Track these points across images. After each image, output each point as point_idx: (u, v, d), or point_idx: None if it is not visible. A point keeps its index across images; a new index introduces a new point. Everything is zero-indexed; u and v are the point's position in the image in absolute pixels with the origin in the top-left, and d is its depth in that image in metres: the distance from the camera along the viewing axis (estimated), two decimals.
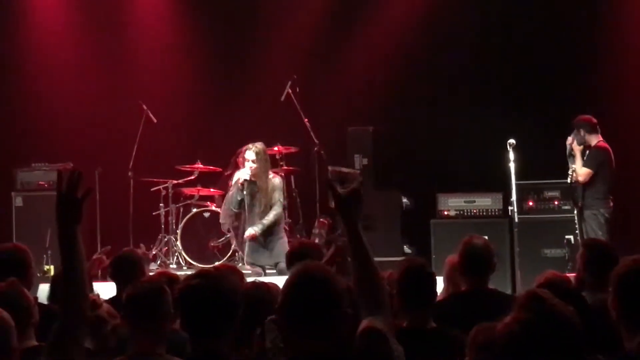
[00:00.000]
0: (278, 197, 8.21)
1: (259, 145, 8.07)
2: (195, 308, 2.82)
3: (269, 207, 8.13)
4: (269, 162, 8.17)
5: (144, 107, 9.50)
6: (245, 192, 8.09)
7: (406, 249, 9.34)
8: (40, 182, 9.53)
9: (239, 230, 8.51)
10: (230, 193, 8.29)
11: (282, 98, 9.41)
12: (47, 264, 8.71)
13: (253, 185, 8.13)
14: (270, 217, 8.15)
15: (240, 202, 8.18)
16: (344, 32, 10.43)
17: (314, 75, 10.07)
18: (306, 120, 9.43)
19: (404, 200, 9.44)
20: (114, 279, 4.89)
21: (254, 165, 7.98)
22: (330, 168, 8.73)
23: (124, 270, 4.70)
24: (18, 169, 9.56)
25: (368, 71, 10.21)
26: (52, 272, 8.61)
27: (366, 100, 10.11)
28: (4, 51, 10.41)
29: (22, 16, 10.51)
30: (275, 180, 8.21)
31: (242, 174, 8.03)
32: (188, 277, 2.92)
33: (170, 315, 3.28)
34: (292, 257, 4.73)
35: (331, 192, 2.73)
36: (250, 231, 8.16)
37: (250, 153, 8.01)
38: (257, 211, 8.16)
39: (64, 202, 2.67)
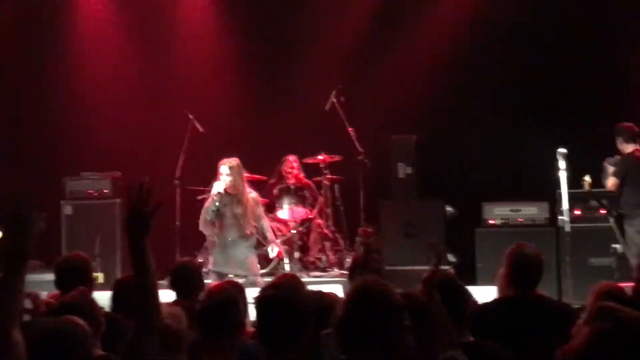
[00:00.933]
0: (260, 211, 8.49)
1: (234, 160, 8.34)
2: (272, 318, 2.84)
3: (245, 218, 8.32)
4: (242, 175, 8.39)
5: (190, 116, 9.60)
6: (219, 204, 8.27)
7: (450, 258, 9.32)
8: (89, 191, 9.67)
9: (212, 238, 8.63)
10: (206, 204, 8.45)
11: (327, 107, 9.48)
12: (95, 271, 8.82)
13: (230, 197, 8.31)
14: (268, 232, 8.52)
15: (215, 212, 8.34)
16: (388, 41, 10.46)
17: (358, 84, 10.12)
18: (350, 129, 9.48)
19: (448, 208, 9.41)
20: (173, 288, 4.94)
21: (229, 179, 8.22)
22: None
23: (184, 280, 4.76)
24: (67, 177, 9.72)
25: (412, 79, 10.21)
26: (100, 280, 8.75)
27: (410, 108, 10.11)
28: (53, 63, 10.60)
29: (71, 28, 10.70)
30: (253, 194, 8.48)
31: (217, 187, 8.25)
32: (264, 287, 2.95)
33: (243, 326, 3.32)
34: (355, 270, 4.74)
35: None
36: (276, 250, 8.58)
37: (224, 167, 8.27)
38: (233, 221, 8.36)
39: (134, 215, 2.73)
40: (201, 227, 8.60)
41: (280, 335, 2.83)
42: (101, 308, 3.92)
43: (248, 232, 8.36)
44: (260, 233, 8.56)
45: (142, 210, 2.76)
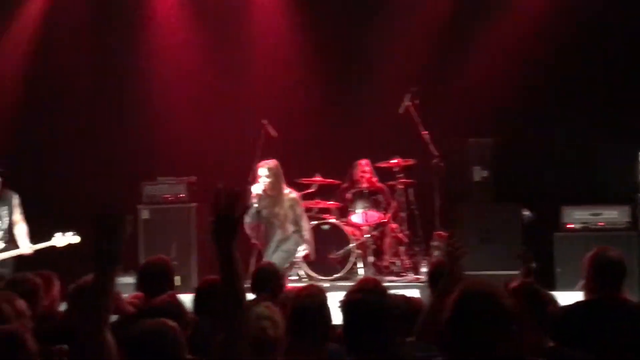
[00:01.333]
0: (300, 211, 8.50)
1: (272, 162, 8.40)
2: (358, 322, 2.81)
3: (286, 219, 8.38)
4: (281, 177, 8.41)
5: (264, 121, 9.65)
6: (258, 206, 8.30)
7: None
8: (166, 195, 9.80)
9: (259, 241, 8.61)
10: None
11: (401, 110, 9.40)
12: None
13: (269, 199, 8.37)
14: (306, 232, 8.56)
15: (255, 215, 8.35)
16: (463, 43, 10.33)
17: (433, 87, 10.00)
18: (425, 132, 9.39)
19: (525, 213, 9.23)
20: (254, 291, 4.93)
21: (268, 180, 8.27)
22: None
23: (265, 282, 4.76)
24: (144, 182, 9.87)
25: (488, 82, 10.04)
26: (177, 283, 8.83)
27: (486, 111, 9.95)
28: (130, 70, 10.79)
29: (146, 34, 10.86)
30: (293, 194, 8.47)
31: (256, 189, 8.31)
32: (350, 290, 2.91)
33: (332, 329, 3.29)
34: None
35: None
36: (305, 251, 8.68)
37: (262, 170, 8.35)
38: (275, 222, 8.42)
39: (221, 220, 2.72)
40: (247, 230, 8.57)
41: (366, 338, 2.79)
42: None
43: (289, 232, 8.39)
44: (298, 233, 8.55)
45: (230, 216, 2.72)
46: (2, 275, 7.94)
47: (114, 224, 2.75)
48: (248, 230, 8.50)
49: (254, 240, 8.66)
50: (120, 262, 2.78)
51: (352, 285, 2.99)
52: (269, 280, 4.97)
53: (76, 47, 10.74)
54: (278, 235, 8.40)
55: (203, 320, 4.13)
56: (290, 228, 8.41)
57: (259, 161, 9.43)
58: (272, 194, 8.35)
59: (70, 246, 8.09)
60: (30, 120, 10.65)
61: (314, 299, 3.39)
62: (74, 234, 8.08)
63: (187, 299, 4.83)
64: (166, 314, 3.28)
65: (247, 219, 8.33)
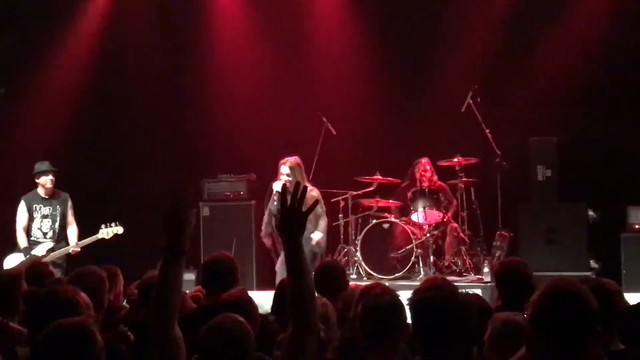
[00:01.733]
0: (321, 208, 8.30)
1: (293, 159, 8.22)
2: (430, 321, 2.74)
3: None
4: (303, 174, 8.23)
5: (324, 119, 9.62)
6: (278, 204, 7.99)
7: (592, 264, 8.95)
8: (226, 193, 9.86)
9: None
10: (267, 207, 8.43)
11: (463, 108, 9.28)
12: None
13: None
14: (322, 226, 8.31)
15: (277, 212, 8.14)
16: (526, 40, 10.16)
17: (495, 85, 9.86)
18: (487, 130, 9.25)
19: (590, 213, 9.03)
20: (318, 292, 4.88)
21: (289, 178, 8.04)
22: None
23: (329, 279, 4.70)
24: (205, 180, 9.93)
25: (552, 80, 9.87)
26: None
27: (550, 109, 9.78)
28: (192, 70, 10.87)
29: (208, 33, 10.94)
30: (314, 192, 7.93)
31: (277, 186, 8.13)
32: (419, 288, 2.85)
33: (406, 328, 3.23)
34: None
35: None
36: (318, 235, 8.28)
37: (284, 167, 8.18)
38: None
39: (289, 216, 2.70)
40: (263, 237, 8.59)
41: (439, 338, 2.72)
42: None
43: (308, 233, 8.04)
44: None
45: (297, 212, 2.70)
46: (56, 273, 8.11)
47: (181, 218, 2.74)
48: (264, 237, 8.50)
49: (267, 243, 8.60)
50: (185, 256, 2.77)
51: (421, 284, 2.91)
52: (333, 277, 4.90)
53: (139, 47, 10.86)
54: None
55: (267, 317, 4.11)
56: (310, 228, 8.13)
57: (318, 159, 9.46)
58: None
59: (116, 237, 8.24)
60: (94, 120, 10.80)
61: (386, 297, 3.32)
62: (116, 225, 8.19)
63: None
64: (236, 310, 3.25)
65: (266, 219, 8.36)
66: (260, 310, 5.69)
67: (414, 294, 2.88)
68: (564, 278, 2.70)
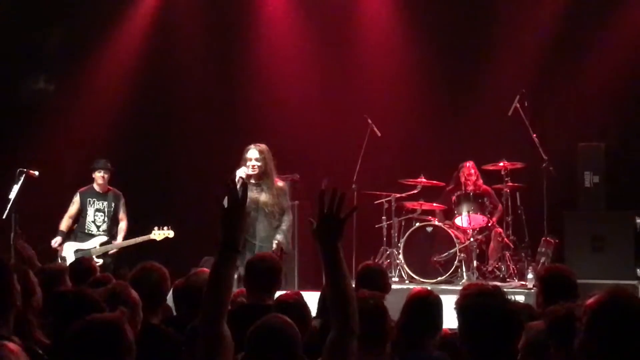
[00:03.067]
0: (285, 203, 7.43)
1: (263, 145, 7.38)
2: (480, 326, 2.71)
3: (275, 210, 7.30)
4: (272, 163, 7.38)
5: (369, 120, 9.59)
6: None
7: (639, 273, 8.79)
8: None
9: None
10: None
11: (510, 112, 9.17)
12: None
13: (256, 186, 7.27)
14: (286, 224, 7.36)
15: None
16: (576, 45, 10.02)
17: (543, 89, 9.76)
18: (534, 135, 9.14)
19: (638, 221, 8.87)
20: (357, 289, 4.86)
21: (258, 164, 7.23)
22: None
23: (370, 284, 4.66)
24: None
25: (601, 85, 9.73)
26: None
27: (599, 115, 9.64)
28: (236, 69, 10.92)
29: (254, 32, 10.98)
30: (280, 184, 7.46)
31: (241, 172, 7.21)
32: (469, 293, 2.81)
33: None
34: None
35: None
36: (279, 239, 7.27)
37: (253, 151, 7.26)
38: (262, 213, 7.26)
39: (326, 221, 2.68)
40: None
41: (488, 345, 2.68)
42: None
43: (274, 226, 7.27)
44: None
45: (335, 217, 2.68)
46: (107, 265, 8.27)
47: (237, 216, 2.75)
48: None
49: None
50: (238, 254, 2.79)
51: (468, 289, 2.87)
52: (374, 279, 4.87)
53: (187, 45, 10.96)
54: (262, 230, 7.24)
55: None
56: (275, 223, 7.26)
57: (362, 161, 9.43)
58: (261, 180, 7.25)
59: (166, 239, 8.43)
60: (142, 116, 10.91)
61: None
62: (169, 228, 8.38)
63: None
64: (292, 312, 3.25)
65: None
66: None
67: (463, 298, 2.85)
68: (621, 286, 2.64)
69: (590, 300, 2.65)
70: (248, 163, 7.22)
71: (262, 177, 7.27)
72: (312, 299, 4.89)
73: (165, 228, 8.45)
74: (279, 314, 3.06)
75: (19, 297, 3.37)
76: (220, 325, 2.70)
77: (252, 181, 7.25)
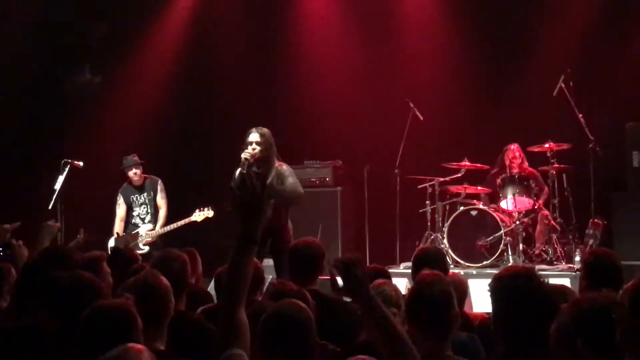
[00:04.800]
0: (293, 181, 7.06)
1: (265, 129, 7.12)
2: (513, 309, 2.65)
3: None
4: (273, 147, 7.10)
5: (411, 104, 9.51)
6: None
7: None
8: (312, 179, 9.87)
9: None
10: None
11: (555, 93, 8.99)
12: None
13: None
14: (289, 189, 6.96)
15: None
16: (620, 23, 9.80)
17: (589, 69, 9.55)
18: (580, 115, 8.95)
19: None
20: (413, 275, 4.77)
21: (258, 148, 6.97)
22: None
23: (431, 265, 4.56)
24: (292, 165, 9.93)
25: None
26: None
27: None
28: (278, 55, 10.92)
29: (295, 17, 10.96)
30: (283, 167, 7.12)
31: (244, 154, 6.97)
32: (502, 275, 2.75)
33: (456, 320, 3.17)
34: None
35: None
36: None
37: (254, 135, 7.00)
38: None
39: (347, 283, 2.71)
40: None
41: (522, 328, 2.62)
42: None
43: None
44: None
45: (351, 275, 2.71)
46: (150, 252, 8.34)
47: (259, 208, 2.78)
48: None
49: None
50: (256, 245, 2.81)
51: (502, 271, 2.81)
52: (434, 261, 4.74)
53: (228, 35, 10.97)
54: None
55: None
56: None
57: (405, 145, 9.35)
58: (261, 165, 6.97)
59: (207, 220, 8.42)
60: (184, 108, 10.98)
61: (437, 287, 3.25)
62: (209, 209, 8.37)
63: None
64: None
65: (232, 184, 7.00)
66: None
67: (497, 281, 2.79)
68: None
69: (630, 284, 2.57)
70: (249, 147, 6.98)
71: (262, 161, 7.00)
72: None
73: (205, 209, 8.45)
74: (294, 300, 3.05)
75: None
76: (237, 312, 2.72)
77: (254, 163, 6.98)
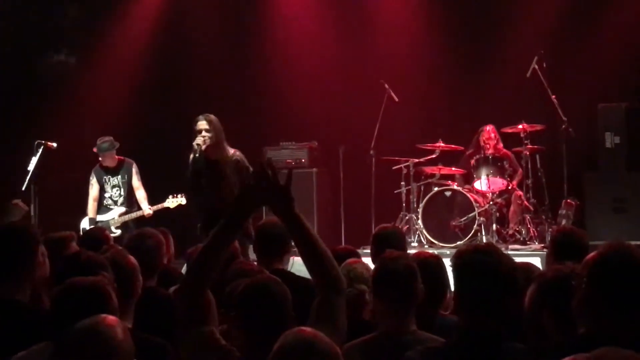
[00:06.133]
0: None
1: (212, 115, 7.04)
2: (474, 284, 2.69)
3: (229, 184, 6.84)
4: (222, 133, 7.02)
5: (386, 86, 9.53)
6: (199, 164, 6.94)
7: None
8: (288, 160, 9.89)
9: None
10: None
11: (528, 74, 9.03)
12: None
13: (210, 161, 6.97)
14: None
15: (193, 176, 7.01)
16: (593, 4, 9.86)
17: (562, 50, 9.60)
18: (554, 97, 9.01)
19: None
20: (372, 256, 4.82)
21: (208, 135, 6.92)
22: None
23: (389, 245, 4.60)
24: (267, 147, 9.98)
25: (620, 44, 9.56)
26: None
27: (619, 74, 9.48)
28: (253, 37, 10.88)
29: (269, 2, 10.92)
30: (238, 153, 7.04)
31: (195, 141, 6.96)
32: (463, 250, 2.79)
33: (421, 295, 3.22)
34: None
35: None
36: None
37: (202, 122, 6.93)
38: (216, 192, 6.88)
39: (273, 191, 2.83)
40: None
41: (482, 303, 2.65)
42: None
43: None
44: None
45: (277, 186, 2.82)
46: (121, 236, 8.31)
47: (249, 199, 2.84)
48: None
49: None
50: (237, 234, 2.89)
51: (465, 247, 2.85)
52: (392, 241, 4.78)
53: (203, 16, 10.91)
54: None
55: None
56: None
57: (380, 127, 9.37)
58: (213, 152, 6.95)
59: (179, 207, 8.46)
60: (159, 88, 10.93)
61: (402, 261, 3.30)
62: (182, 196, 8.43)
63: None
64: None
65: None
66: None
67: (457, 256, 2.83)
68: (621, 241, 2.61)
69: (590, 255, 2.62)
70: (199, 135, 6.94)
71: (213, 149, 6.96)
72: None
73: (178, 196, 8.48)
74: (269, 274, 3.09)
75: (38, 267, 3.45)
76: (206, 290, 2.76)
77: (207, 157, 6.95)
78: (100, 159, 8.71)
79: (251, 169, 6.78)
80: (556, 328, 2.63)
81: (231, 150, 7.05)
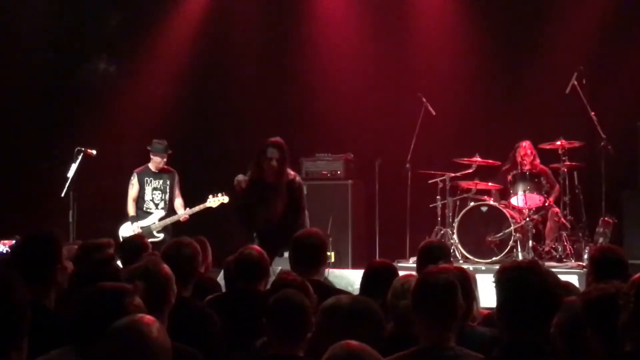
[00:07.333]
0: (302, 198, 7.18)
1: (280, 140, 6.99)
2: (517, 299, 2.68)
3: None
4: (288, 160, 7.03)
5: (423, 99, 9.53)
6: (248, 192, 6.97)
7: None
8: (324, 172, 9.92)
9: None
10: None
11: (567, 90, 8.98)
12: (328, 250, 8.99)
13: (267, 185, 6.95)
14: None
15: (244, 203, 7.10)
16: (634, 21, 9.77)
17: (601, 66, 9.53)
18: (593, 113, 8.94)
19: None
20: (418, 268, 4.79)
21: (276, 164, 6.89)
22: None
23: (435, 258, 4.59)
24: (304, 158, 10.02)
25: None
26: (331, 259, 8.94)
27: None
28: (293, 49, 10.94)
29: (308, 12, 10.97)
30: (297, 179, 7.15)
31: (237, 179, 7.04)
32: (506, 267, 2.79)
33: (461, 311, 3.20)
34: None
35: None
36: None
37: (271, 149, 6.87)
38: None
39: None
40: None
41: (524, 319, 2.65)
42: None
43: None
44: None
45: None
46: (164, 240, 8.39)
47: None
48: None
49: None
50: None
51: (505, 263, 2.85)
52: (437, 255, 4.74)
53: (243, 27, 11.01)
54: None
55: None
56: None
57: (417, 140, 9.36)
58: (273, 177, 6.89)
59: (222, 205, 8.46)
60: (199, 97, 11.04)
61: (445, 278, 3.28)
62: (223, 195, 8.44)
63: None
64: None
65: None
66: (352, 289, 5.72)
67: (501, 272, 2.83)
68: None
69: (637, 275, 2.61)
70: (269, 163, 6.86)
71: (278, 175, 6.89)
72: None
73: (219, 195, 8.49)
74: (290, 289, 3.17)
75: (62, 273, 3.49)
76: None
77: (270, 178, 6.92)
78: (150, 161, 8.78)
79: (305, 192, 7.05)
80: (601, 346, 2.62)
81: (292, 174, 7.05)
